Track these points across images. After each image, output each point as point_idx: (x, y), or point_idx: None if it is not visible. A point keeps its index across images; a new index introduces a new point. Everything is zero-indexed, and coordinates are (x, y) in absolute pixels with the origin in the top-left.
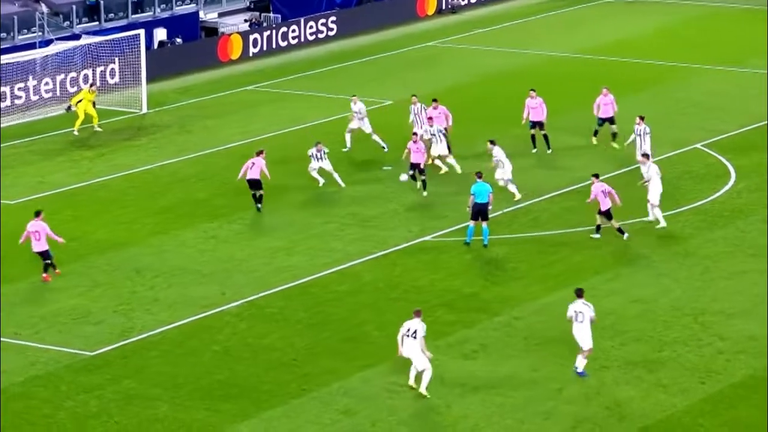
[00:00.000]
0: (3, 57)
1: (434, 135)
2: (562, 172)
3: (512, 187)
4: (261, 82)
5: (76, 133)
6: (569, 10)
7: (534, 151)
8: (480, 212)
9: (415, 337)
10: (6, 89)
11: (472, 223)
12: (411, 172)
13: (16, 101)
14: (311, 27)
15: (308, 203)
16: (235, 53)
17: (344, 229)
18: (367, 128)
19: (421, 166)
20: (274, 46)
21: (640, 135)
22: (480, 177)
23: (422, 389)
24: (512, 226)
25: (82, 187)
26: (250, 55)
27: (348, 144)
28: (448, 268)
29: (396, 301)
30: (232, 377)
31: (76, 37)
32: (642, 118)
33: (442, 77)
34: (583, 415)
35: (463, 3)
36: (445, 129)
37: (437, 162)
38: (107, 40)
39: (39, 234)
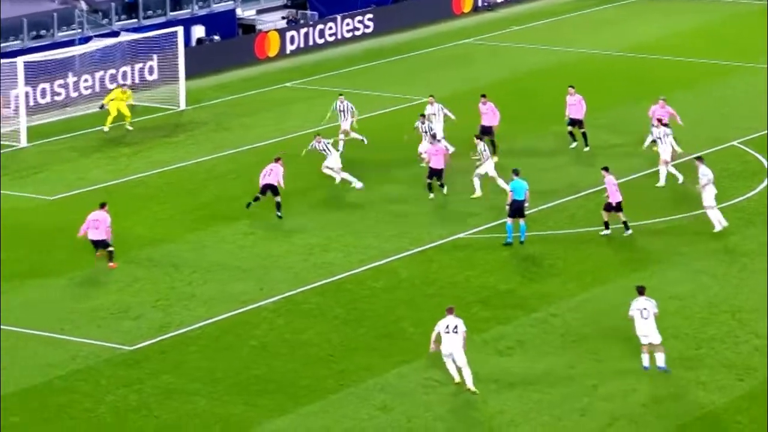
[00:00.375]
0: (42, 54)
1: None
2: (598, 170)
3: (501, 182)
4: (298, 79)
5: (106, 130)
6: (606, 8)
7: (572, 146)
8: (518, 210)
9: (456, 332)
10: (46, 86)
11: (509, 221)
12: (429, 180)
13: (56, 98)
14: (348, 24)
15: (344, 200)
16: (273, 50)
17: (380, 226)
18: (345, 125)
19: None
20: (311, 43)
21: (660, 138)
22: (517, 174)
23: (470, 386)
24: (548, 223)
25: (119, 183)
26: (287, 52)
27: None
28: (483, 264)
29: (432, 297)
30: (270, 372)
31: (115, 34)
32: (660, 121)
33: (479, 75)
34: (620, 412)
35: (499, 0)
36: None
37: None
38: (145, 38)
39: (99, 223)
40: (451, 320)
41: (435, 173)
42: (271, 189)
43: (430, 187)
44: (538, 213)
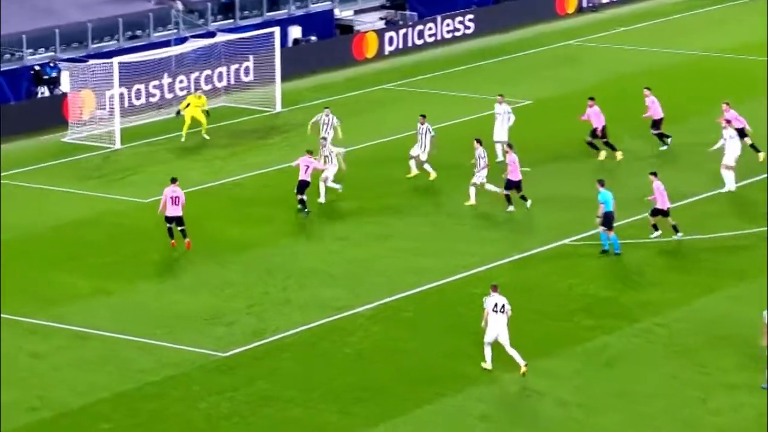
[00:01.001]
0: (138, 54)
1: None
2: (703, 176)
3: (490, 187)
4: (396, 80)
5: (183, 139)
6: (713, 9)
7: (663, 148)
8: (609, 221)
9: (503, 311)
10: (140, 87)
11: (602, 229)
12: (506, 192)
13: (151, 99)
14: (448, 25)
15: (438, 204)
16: (371, 51)
17: (478, 232)
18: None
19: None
20: (409, 44)
21: (726, 140)
22: (602, 185)
23: (522, 364)
24: (649, 230)
25: (214, 186)
26: (386, 53)
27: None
28: (585, 272)
29: (532, 305)
30: (365, 381)
31: (211, 34)
32: (729, 122)
33: (582, 77)
34: (729, 427)
35: (604, 0)
36: (596, 129)
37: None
38: (242, 38)
39: (178, 199)
40: (498, 299)
41: (513, 185)
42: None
43: (509, 199)
44: (641, 220)
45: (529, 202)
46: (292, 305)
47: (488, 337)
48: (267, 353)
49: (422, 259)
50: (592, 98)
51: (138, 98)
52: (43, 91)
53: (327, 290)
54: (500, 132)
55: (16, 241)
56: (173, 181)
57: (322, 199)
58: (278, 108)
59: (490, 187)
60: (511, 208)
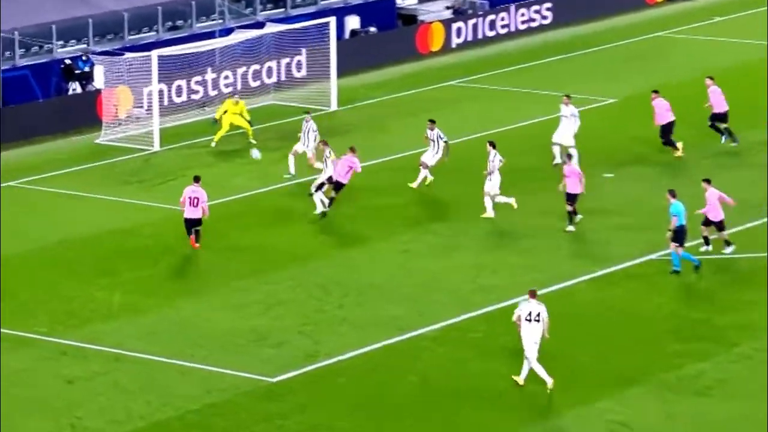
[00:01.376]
0: (179, 47)
1: None
2: None
3: (501, 199)
4: (465, 76)
5: (213, 144)
6: None
7: (723, 141)
8: (681, 236)
9: (538, 320)
10: (182, 83)
11: (672, 246)
12: (569, 208)
13: (193, 96)
14: (523, 15)
15: (510, 215)
16: (436, 44)
17: (556, 245)
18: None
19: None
20: (480, 35)
21: None
22: (674, 196)
23: (548, 382)
24: (748, 245)
25: (263, 192)
26: (453, 46)
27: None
28: (674, 290)
29: (615, 327)
30: (430, 410)
31: (260, 25)
32: None
33: (671, 71)
34: None
35: None
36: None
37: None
38: (294, 30)
39: (198, 200)
40: (534, 306)
41: (571, 199)
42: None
43: (570, 217)
44: (734, 234)
45: (578, 217)
46: (349, 325)
47: (529, 350)
48: (320, 378)
49: (491, 275)
50: (655, 91)
51: (179, 95)
52: (75, 88)
53: (387, 308)
54: (562, 134)
55: (44, 253)
56: (195, 180)
57: (319, 209)
58: (333, 107)
59: (501, 198)
60: (571, 227)
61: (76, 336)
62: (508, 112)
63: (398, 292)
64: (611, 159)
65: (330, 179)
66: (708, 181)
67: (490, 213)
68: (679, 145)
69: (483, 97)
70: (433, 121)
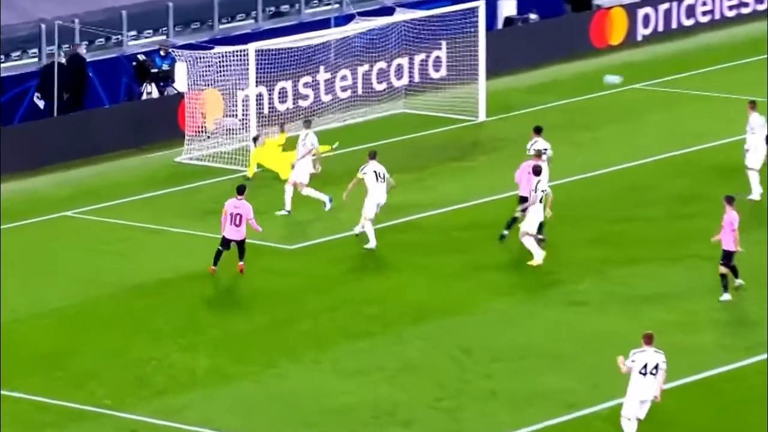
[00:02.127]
0: (283, 39)
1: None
2: None
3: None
4: (655, 78)
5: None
6: None
7: None
8: None
9: (655, 374)
10: (286, 85)
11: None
12: (722, 271)
13: (301, 102)
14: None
15: (709, 257)
16: (617, 36)
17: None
18: None
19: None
20: (674, 25)
21: None
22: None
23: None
24: None
25: (387, 227)
26: (639, 38)
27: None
28: None
29: None
30: None
31: (388, 11)
32: None
33: None
34: None
35: None
36: None
37: None
38: (431, 17)
39: (240, 217)
40: (650, 357)
41: (727, 257)
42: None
43: (723, 283)
44: None
45: (738, 282)
46: (500, 399)
47: (628, 410)
48: None
49: (692, 335)
50: (752, 101)
51: (282, 101)
52: (150, 91)
53: (552, 379)
54: (753, 156)
55: (109, 303)
56: (239, 191)
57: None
58: (482, 116)
59: (528, 240)
60: (725, 296)
61: (148, 410)
62: (711, 123)
63: (566, 357)
64: None
65: None
66: (730, 199)
67: (537, 260)
68: None
69: (679, 103)
70: (538, 128)
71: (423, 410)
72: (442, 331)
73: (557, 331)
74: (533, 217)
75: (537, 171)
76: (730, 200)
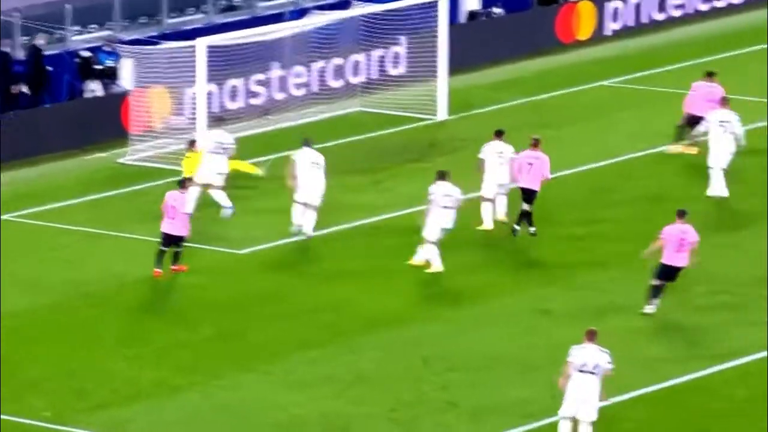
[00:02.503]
0: (234, 34)
1: None
2: None
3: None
4: (624, 74)
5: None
6: None
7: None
8: None
9: (595, 372)
10: (237, 82)
11: None
12: (656, 282)
13: (252, 100)
14: None
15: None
16: (585, 31)
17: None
18: None
19: None
20: (645, 20)
21: None
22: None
23: None
24: None
25: (343, 230)
26: (608, 33)
27: None
28: None
29: None
30: None
31: (344, 5)
32: None
33: None
34: None
35: None
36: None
37: None
38: (390, 11)
39: (175, 210)
40: (591, 355)
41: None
42: None
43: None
44: None
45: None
46: (460, 411)
47: (564, 409)
48: None
49: (654, 345)
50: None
51: (233, 99)
52: (94, 89)
53: (514, 389)
54: (716, 153)
55: (49, 311)
56: (181, 184)
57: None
58: (443, 115)
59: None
60: (650, 308)
61: (90, 423)
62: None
63: (529, 366)
64: None
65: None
66: (682, 213)
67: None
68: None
69: (649, 102)
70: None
71: (377, 423)
72: (398, 340)
73: (519, 340)
74: (436, 222)
75: (441, 176)
76: (681, 214)
